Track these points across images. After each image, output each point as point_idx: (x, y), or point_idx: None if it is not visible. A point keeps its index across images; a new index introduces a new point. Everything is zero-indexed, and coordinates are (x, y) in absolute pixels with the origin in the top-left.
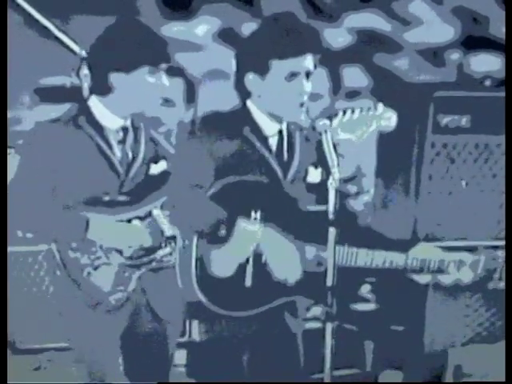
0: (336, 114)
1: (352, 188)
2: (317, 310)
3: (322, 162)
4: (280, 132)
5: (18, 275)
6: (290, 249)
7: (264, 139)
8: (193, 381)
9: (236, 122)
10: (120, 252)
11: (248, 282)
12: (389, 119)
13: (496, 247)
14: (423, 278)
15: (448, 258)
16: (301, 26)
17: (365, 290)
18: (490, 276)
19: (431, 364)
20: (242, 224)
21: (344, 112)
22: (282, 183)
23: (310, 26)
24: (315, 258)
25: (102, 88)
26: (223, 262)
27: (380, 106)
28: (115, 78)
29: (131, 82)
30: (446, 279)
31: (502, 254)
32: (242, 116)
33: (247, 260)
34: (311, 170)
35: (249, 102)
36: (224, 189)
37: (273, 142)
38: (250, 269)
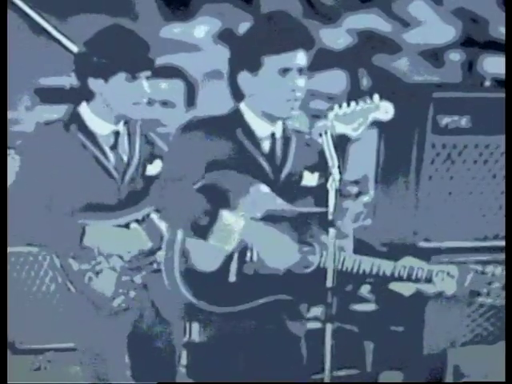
0: (332, 108)
1: (352, 189)
2: (317, 311)
3: (319, 166)
4: (273, 135)
5: (18, 275)
6: (278, 235)
7: (257, 142)
8: (193, 381)
9: (229, 124)
10: (120, 256)
11: (232, 277)
12: (385, 111)
13: (486, 262)
14: (407, 290)
15: (436, 269)
16: (292, 24)
17: (365, 290)
18: (478, 291)
19: (431, 364)
20: (224, 215)
21: (340, 105)
22: (274, 186)
23: (300, 23)
24: (302, 261)
25: (86, 93)
26: (208, 256)
27: (376, 97)
28: (94, 83)
29: (110, 88)
30: (429, 289)
31: (491, 269)
32: (235, 118)
33: (232, 255)
34: (306, 174)
35: (242, 105)
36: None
37: (266, 145)
38: (234, 265)
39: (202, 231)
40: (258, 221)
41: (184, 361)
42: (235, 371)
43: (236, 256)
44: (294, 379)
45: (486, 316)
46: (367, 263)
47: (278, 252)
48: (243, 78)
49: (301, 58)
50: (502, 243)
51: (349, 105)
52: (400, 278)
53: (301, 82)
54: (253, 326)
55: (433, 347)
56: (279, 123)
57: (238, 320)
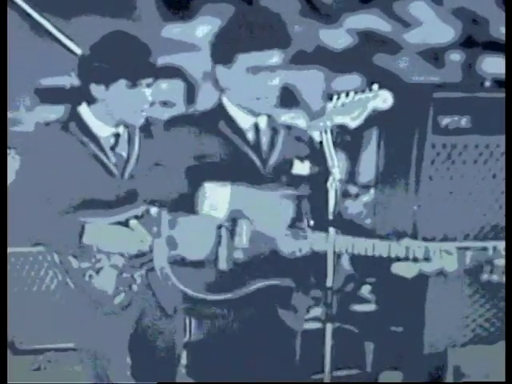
0: (331, 98)
1: (352, 189)
2: (317, 311)
3: (310, 156)
4: (256, 126)
5: (18, 275)
6: (267, 196)
7: (242, 133)
8: (193, 380)
9: (214, 116)
10: (121, 253)
11: (222, 265)
12: (384, 99)
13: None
14: (409, 272)
15: (433, 248)
16: (271, 20)
17: (365, 290)
18: (481, 268)
19: (431, 364)
20: (208, 186)
21: (338, 95)
22: (261, 175)
23: (279, 20)
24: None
25: (87, 96)
26: (196, 243)
27: (375, 86)
28: (95, 89)
29: (111, 95)
30: (428, 267)
31: (491, 246)
32: (220, 110)
33: (220, 242)
34: (296, 162)
35: (224, 98)
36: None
37: (250, 135)
38: (223, 251)
39: (190, 207)
40: (243, 186)
41: (183, 360)
42: (235, 370)
43: (225, 241)
44: (294, 379)
45: (486, 316)
46: (361, 245)
47: (268, 214)
48: (220, 71)
49: (275, 56)
50: (502, 243)
51: (347, 95)
52: (398, 259)
53: (274, 80)
54: (251, 323)
55: (433, 347)
56: (262, 115)
57: (236, 315)
